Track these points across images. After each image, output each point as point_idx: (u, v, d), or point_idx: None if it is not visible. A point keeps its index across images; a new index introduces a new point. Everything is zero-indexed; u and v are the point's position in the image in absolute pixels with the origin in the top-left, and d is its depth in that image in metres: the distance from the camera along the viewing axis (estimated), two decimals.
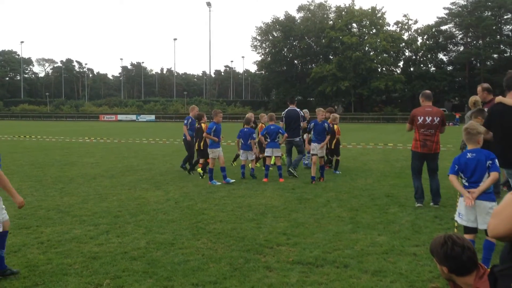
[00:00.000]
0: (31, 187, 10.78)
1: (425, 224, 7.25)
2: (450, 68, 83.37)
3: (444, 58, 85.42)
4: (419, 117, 8.44)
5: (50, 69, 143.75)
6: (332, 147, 13.18)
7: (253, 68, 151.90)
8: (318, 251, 5.85)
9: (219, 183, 11.14)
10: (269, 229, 6.94)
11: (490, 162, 5.14)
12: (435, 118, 8.33)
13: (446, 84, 78.45)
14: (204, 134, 11.97)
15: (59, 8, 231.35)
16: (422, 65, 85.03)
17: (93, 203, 8.94)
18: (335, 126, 13.36)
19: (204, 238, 6.48)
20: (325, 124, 11.56)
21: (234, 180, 11.46)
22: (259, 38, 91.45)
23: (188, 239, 6.46)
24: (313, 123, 11.55)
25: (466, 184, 5.29)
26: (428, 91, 8.76)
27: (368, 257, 5.63)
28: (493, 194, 5.28)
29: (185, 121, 14.09)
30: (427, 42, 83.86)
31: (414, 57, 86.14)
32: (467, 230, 5.25)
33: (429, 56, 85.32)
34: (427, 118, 8.35)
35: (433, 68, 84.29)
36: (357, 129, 45.75)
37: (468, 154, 5.27)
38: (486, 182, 5.10)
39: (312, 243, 6.23)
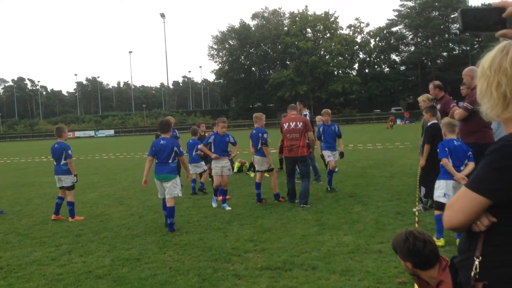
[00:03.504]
0: None
1: (388, 221, 7.40)
2: (403, 68, 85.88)
3: (397, 59, 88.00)
4: (285, 124, 9.25)
5: (1, 88, 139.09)
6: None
7: (211, 77, 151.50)
8: (286, 255, 5.88)
9: (229, 208, 9.09)
10: (236, 237, 6.92)
11: (470, 153, 6.05)
12: (298, 123, 9.07)
13: (400, 84, 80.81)
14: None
15: (7, 27, 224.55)
16: (376, 66, 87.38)
17: (53, 224, 8.68)
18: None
19: (170, 251, 6.40)
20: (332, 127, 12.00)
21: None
22: (215, 47, 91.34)
23: (155, 253, 6.36)
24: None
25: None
26: (292, 104, 9.83)
27: (335, 257, 5.70)
28: None
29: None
30: (380, 43, 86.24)
31: (368, 58, 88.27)
32: None
33: (382, 57, 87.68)
34: (291, 123, 9.11)
35: (387, 69, 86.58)
36: None
37: (454, 141, 6.11)
38: (468, 168, 5.96)
39: (279, 247, 6.24)
